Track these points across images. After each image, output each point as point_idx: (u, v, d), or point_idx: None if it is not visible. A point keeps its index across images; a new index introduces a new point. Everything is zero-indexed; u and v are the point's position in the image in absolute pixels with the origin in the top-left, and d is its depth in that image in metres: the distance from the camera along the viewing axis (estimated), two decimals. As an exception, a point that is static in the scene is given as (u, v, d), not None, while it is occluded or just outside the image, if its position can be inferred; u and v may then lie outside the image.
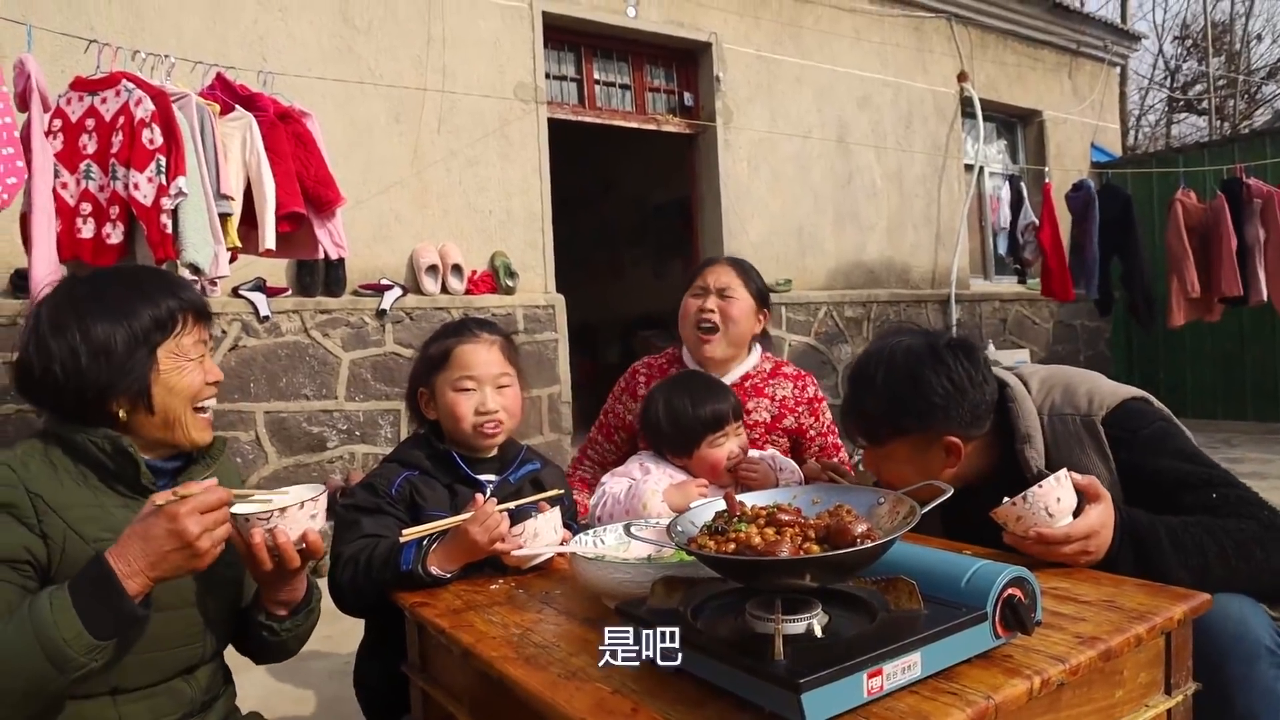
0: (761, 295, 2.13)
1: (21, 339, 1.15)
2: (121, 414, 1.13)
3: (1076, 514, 1.25)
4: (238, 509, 1.09)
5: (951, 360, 1.37)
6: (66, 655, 0.92)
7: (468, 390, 1.53)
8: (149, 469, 1.15)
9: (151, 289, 1.17)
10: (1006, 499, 1.25)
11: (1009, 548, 1.27)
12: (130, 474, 1.13)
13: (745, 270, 2.15)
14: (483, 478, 1.54)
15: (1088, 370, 1.49)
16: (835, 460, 2.04)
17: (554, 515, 1.38)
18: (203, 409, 1.21)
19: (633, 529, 1.16)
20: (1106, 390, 1.40)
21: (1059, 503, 1.22)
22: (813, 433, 2.12)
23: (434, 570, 1.32)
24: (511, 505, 1.37)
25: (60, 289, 1.17)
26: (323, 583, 1.38)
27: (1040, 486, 1.22)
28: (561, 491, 1.53)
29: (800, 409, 2.10)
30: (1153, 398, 1.42)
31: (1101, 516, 1.24)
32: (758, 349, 2.17)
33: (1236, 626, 1.16)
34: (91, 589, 0.95)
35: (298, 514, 1.09)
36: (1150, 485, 1.32)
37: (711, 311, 2.05)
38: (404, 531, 1.31)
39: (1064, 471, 1.25)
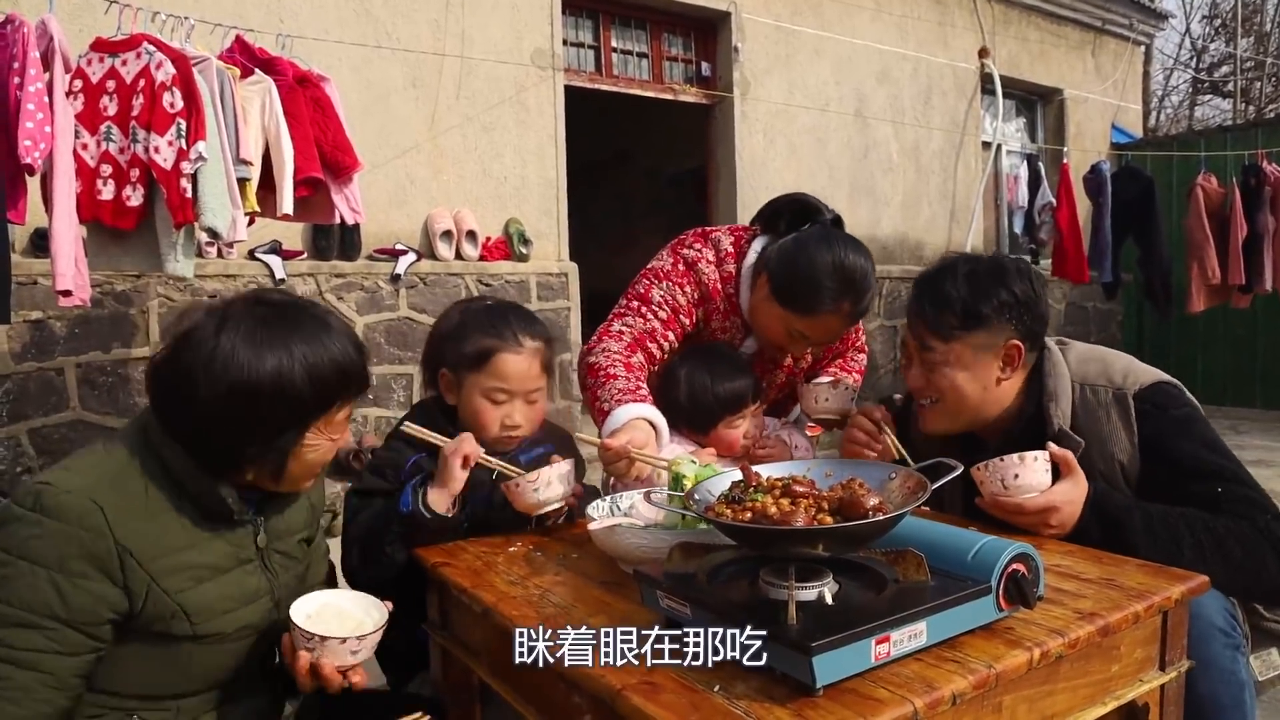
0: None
1: (174, 343, 1.05)
2: (250, 477, 1.09)
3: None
4: (293, 611, 1.07)
5: (1030, 272, 1.47)
6: None
7: (498, 402, 1.49)
8: (241, 498, 1.12)
9: (329, 365, 1.07)
10: (978, 464, 1.34)
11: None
12: (223, 512, 1.10)
13: (865, 311, 1.80)
14: (493, 459, 1.52)
15: (1124, 353, 1.53)
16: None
17: (565, 466, 1.41)
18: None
19: (651, 496, 1.20)
20: (1141, 370, 1.45)
21: (1016, 479, 1.30)
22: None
23: (433, 506, 1.34)
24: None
25: (239, 311, 1.06)
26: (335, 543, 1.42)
27: (1002, 460, 1.31)
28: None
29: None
30: (1184, 388, 1.46)
31: (1066, 494, 1.30)
32: None
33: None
34: None
35: (339, 648, 1.05)
36: (1166, 463, 1.36)
37: (796, 359, 1.89)
38: (404, 426, 1.39)
39: (1037, 453, 1.31)
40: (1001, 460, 1.31)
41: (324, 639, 1.04)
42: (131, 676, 1.07)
